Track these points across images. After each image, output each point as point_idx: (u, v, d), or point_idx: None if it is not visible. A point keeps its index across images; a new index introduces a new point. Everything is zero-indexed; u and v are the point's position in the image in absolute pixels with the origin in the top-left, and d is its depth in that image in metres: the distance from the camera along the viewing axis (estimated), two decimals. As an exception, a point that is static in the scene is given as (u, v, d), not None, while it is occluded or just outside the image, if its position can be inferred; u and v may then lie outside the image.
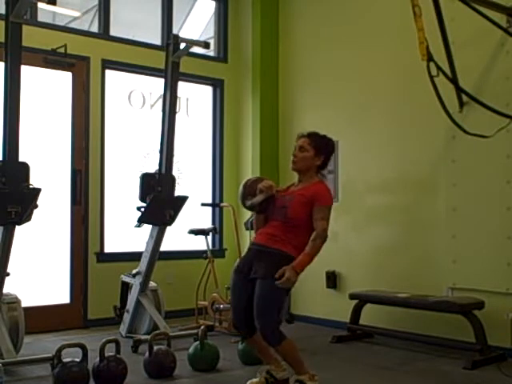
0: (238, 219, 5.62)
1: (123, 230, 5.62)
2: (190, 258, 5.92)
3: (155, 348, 3.86)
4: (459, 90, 4.38)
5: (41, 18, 5.32)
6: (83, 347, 3.54)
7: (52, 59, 5.31)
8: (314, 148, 3.43)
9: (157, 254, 4.90)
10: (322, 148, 3.45)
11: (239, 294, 3.40)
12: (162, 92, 5.03)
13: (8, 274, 4.02)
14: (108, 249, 5.66)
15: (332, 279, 5.59)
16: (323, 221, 3.31)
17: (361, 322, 5.04)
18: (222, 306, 5.07)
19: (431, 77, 3.96)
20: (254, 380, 3.48)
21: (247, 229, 5.06)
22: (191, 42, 5.01)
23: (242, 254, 3.62)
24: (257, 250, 3.39)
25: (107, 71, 5.72)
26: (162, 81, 5.00)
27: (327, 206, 3.36)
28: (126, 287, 5.09)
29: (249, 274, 3.34)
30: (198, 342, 4.00)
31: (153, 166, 5.13)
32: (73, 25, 5.68)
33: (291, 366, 3.35)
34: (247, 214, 5.87)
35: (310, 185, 3.42)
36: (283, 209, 3.37)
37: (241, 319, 3.40)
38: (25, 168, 3.84)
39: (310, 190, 3.38)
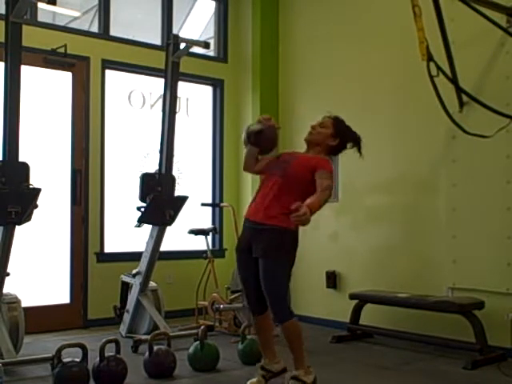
0: (238, 219, 5.61)
1: (123, 229, 5.62)
2: (190, 258, 5.92)
3: (155, 348, 3.86)
4: (459, 90, 4.39)
5: (41, 18, 5.32)
6: (83, 347, 3.54)
7: (52, 59, 5.31)
8: (334, 128, 3.44)
9: (157, 254, 4.90)
10: (341, 132, 3.46)
11: (246, 274, 3.45)
12: (162, 92, 5.03)
13: (8, 274, 4.02)
14: (108, 249, 5.66)
15: (332, 279, 5.59)
16: (328, 180, 3.24)
17: (361, 321, 5.04)
18: (221, 306, 5.07)
19: (431, 77, 3.96)
20: (254, 380, 3.49)
21: (247, 229, 5.06)
22: (191, 42, 5.01)
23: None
24: (252, 229, 3.38)
25: (107, 71, 5.72)
26: (162, 81, 5.00)
27: (330, 172, 3.31)
28: (126, 287, 5.09)
29: (250, 253, 3.36)
30: (198, 342, 4.00)
31: (153, 166, 5.13)
32: (73, 25, 5.67)
33: (292, 351, 3.33)
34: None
35: (315, 156, 3.42)
36: (284, 163, 3.38)
37: (252, 297, 3.45)
38: (25, 168, 3.83)
39: (313, 158, 3.39)
